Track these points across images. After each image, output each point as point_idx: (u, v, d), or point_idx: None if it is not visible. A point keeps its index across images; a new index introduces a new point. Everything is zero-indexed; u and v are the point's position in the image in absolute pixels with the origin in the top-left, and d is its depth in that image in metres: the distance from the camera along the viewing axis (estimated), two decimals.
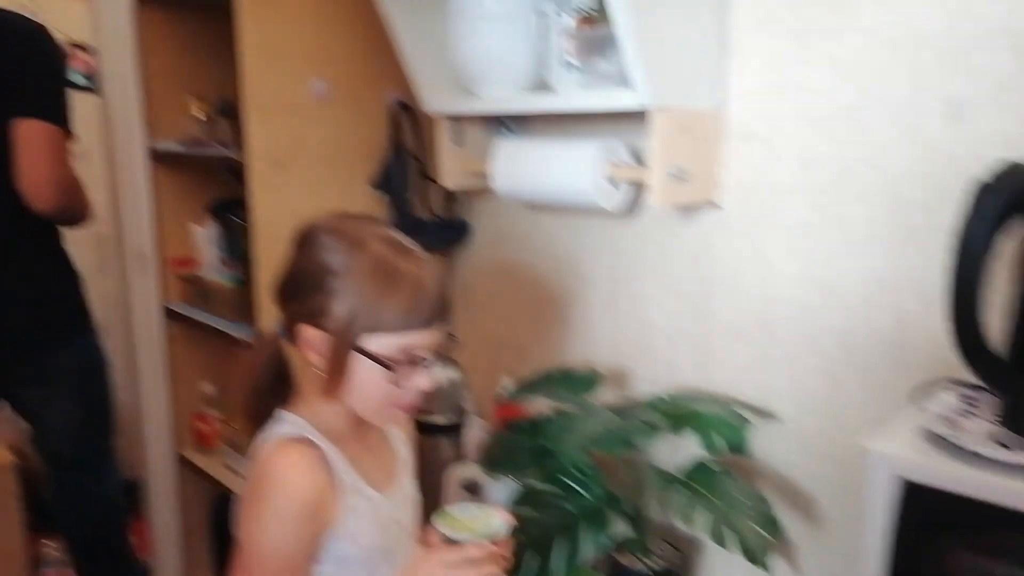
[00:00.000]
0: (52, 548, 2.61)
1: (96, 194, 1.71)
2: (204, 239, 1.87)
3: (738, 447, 1.28)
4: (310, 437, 0.92)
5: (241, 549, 0.89)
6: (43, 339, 1.64)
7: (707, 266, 1.42)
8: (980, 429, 0.90)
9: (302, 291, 0.92)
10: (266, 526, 0.88)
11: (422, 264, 0.92)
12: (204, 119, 1.79)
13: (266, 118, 1.57)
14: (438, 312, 0.91)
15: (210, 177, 1.94)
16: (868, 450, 0.83)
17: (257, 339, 1.01)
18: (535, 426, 1.31)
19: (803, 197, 1.28)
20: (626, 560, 1.27)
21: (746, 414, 1.32)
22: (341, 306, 0.89)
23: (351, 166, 1.72)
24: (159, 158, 1.88)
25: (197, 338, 1.95)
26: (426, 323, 0.90)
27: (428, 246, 1.73)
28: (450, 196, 1.84)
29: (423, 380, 0.92)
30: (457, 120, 1.62)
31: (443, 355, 1.59)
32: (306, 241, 0.94)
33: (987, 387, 0.82)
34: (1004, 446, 0.83)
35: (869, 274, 1.22)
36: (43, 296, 1.61)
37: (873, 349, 1.23)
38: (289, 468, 0.89)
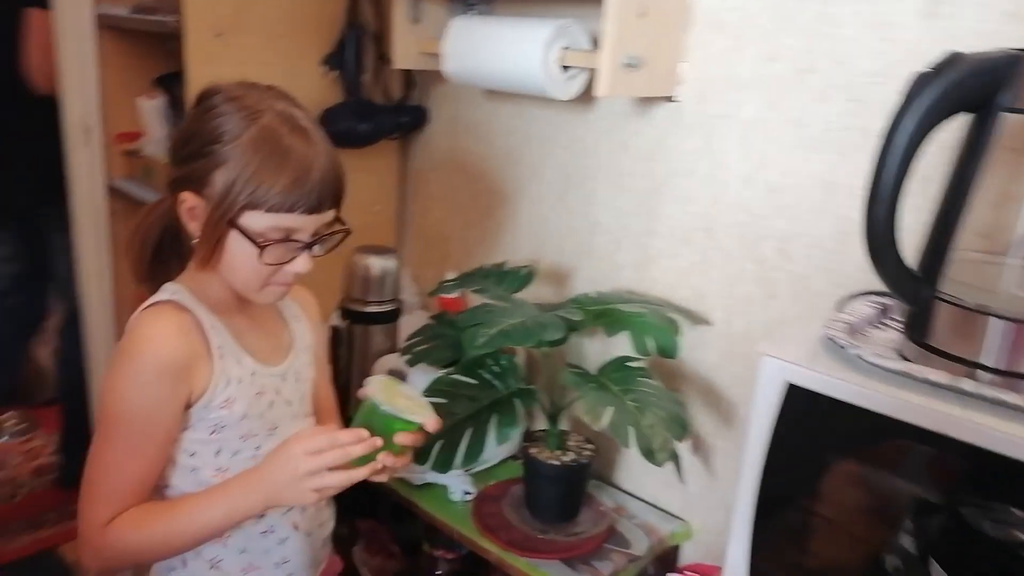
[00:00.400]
0: (12, 419, 2.68)
1: None
2: (151, 113, 1.80)
3: (667, 350, 1.25)
4: (182, 302, 0.90)
5: (100, 412, 0.87)
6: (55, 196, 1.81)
7: (659, 165, 1.35)
8: (886, 339, 0.85)
9: (189, 155, 0.87)
10: (124, 385, 0.86)
11: (314, 146, 0.86)
12: None
13: None
14: (323, 198, 0.86)
15: (160, 47, 1.84)
16: (760, 352, 0.79)
17: (152, 203, 0.96)
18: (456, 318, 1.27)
19: (763, 93, 1.20)
20: (540, 453, 1.26)
21: (678, 317, 1.28)
22: (222, 176, 0.84)
23: (302, 41, 1.61)
24: (106, 24, 1.78)
25: None
26: (308, 207, 0.85)
27: (380, 132, 1.70)
28: (409, 80, 1.75)
29: (299, 263, 0.89)
30: None
31: (382, 247, 1.55)
32: (202, 104, 0.89)
33: (893, 293, 0.77)
34: (905, 358, 0.79)
35: (817, 179, 1.15)
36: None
37: (810, 257, 1.17)
38: (151, 328, 0.88)
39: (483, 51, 1.37)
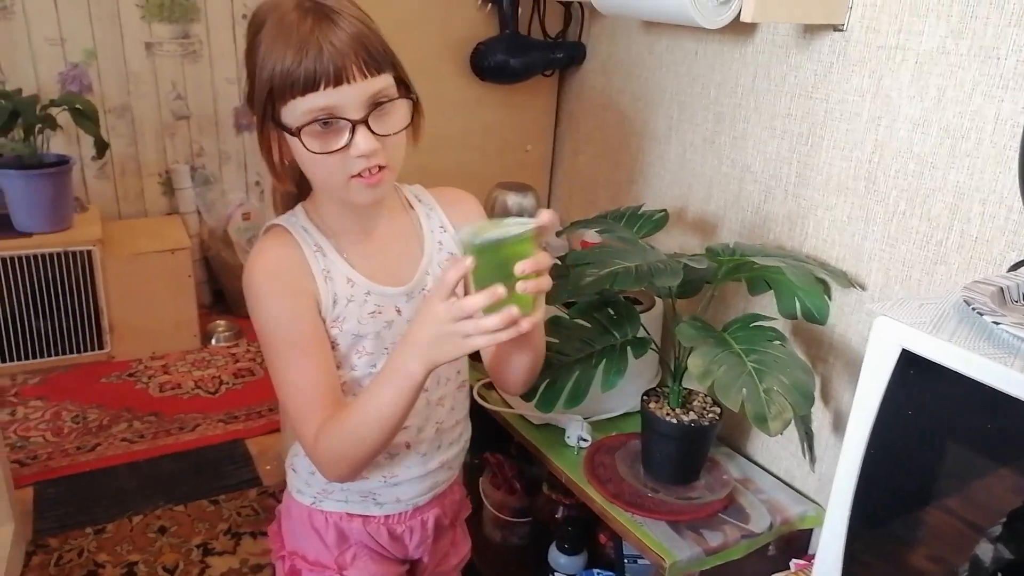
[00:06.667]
0: (222, 326, 3.01)
1: None
2: None
3: (813, 314, 1.13)
4: (288, 226, 0.92)
5: (259, 341, 0.91)
6: None
7: (818, 104, 1.20)
8: None
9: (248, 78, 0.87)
10: (254, 308, 0.89)
11: (327, 19, 0.79)
12: None
13: None
14: (348, 64, 0.79)
15: None
16: (874, 312, 0.67)
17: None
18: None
19: (948, 20, 1.01)
20: (659, 409, 1.19)
21: (828, 279, 1.15)
22: (255, 82, 0.83)
23: None
24: None
25: None
26: (331, 78, 0.79)
27: (533, 67, 1.66)
28: (568, 15, 1.69)
29: (360, 142, 0.81)
30: None
31: (521, 183, 1.52)
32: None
33: None
34: None
35: (1006, 123, 0.96)
36: None
37: (991, 216, 0.99)
38: (256, 251, 0.91)
39: None
